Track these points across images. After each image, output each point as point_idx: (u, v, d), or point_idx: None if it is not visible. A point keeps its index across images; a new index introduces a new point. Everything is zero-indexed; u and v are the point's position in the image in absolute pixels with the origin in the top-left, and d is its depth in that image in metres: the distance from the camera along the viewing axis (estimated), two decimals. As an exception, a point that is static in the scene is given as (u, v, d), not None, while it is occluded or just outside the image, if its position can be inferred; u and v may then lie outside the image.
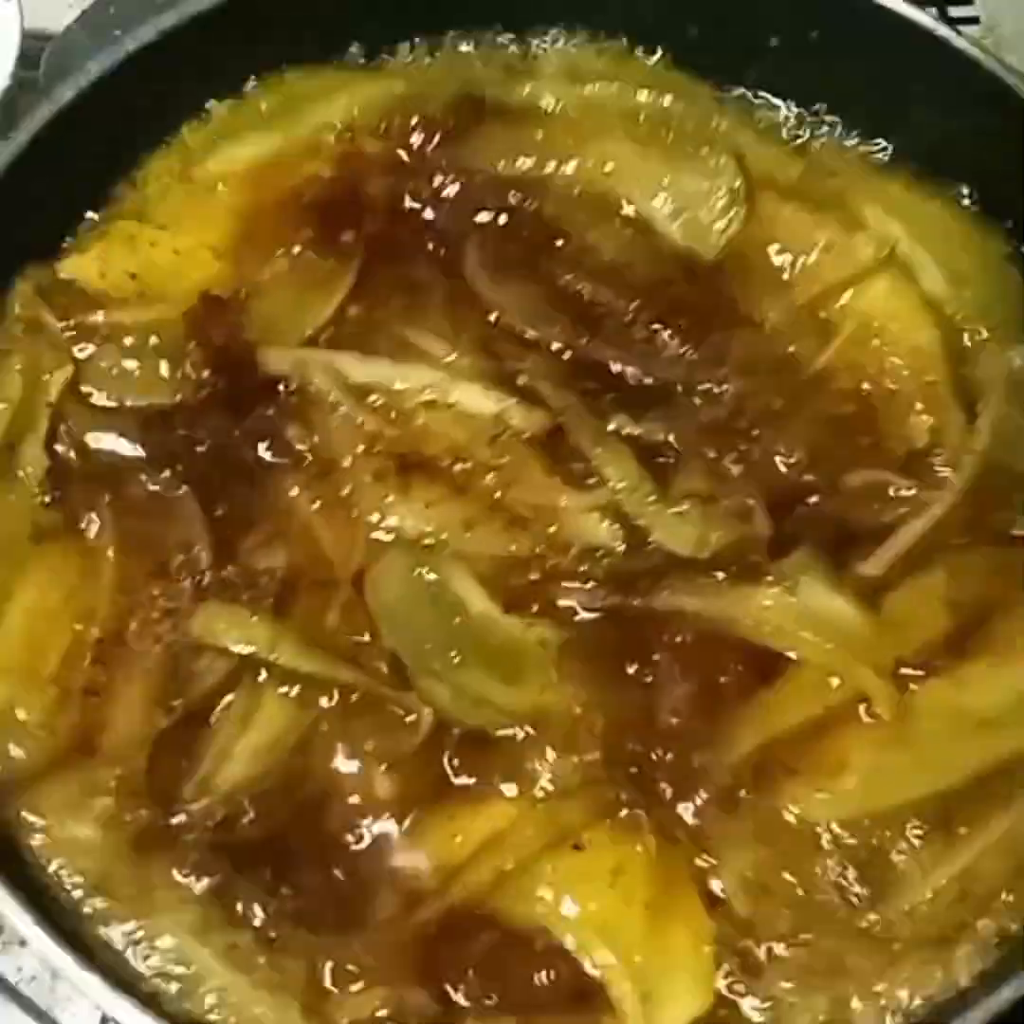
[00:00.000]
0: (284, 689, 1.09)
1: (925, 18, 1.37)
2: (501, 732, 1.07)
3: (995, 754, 1.09)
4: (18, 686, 1.10)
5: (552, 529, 1.16)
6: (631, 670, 1.11)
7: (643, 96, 1.40)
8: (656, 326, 1.26)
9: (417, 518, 1.16)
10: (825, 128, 1.43)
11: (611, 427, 1.20)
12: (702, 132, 1.38)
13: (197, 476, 1.19)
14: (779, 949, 1.02)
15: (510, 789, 1.06)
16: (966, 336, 1.29)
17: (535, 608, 1.13)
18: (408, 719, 1.07)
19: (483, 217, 1.33)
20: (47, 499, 1.18)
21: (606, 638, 1.12)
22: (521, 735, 1.07)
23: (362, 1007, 0.98)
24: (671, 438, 1.21)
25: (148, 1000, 0.98)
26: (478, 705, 1.08)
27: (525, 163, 1.36)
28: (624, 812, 1.05)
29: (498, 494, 1.17)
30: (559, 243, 1.32)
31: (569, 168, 1.36)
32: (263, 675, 1.09)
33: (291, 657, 1.08)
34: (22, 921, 0.97)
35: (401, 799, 1.06)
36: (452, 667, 1.09)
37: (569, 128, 1.38)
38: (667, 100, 1.39)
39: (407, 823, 1.05)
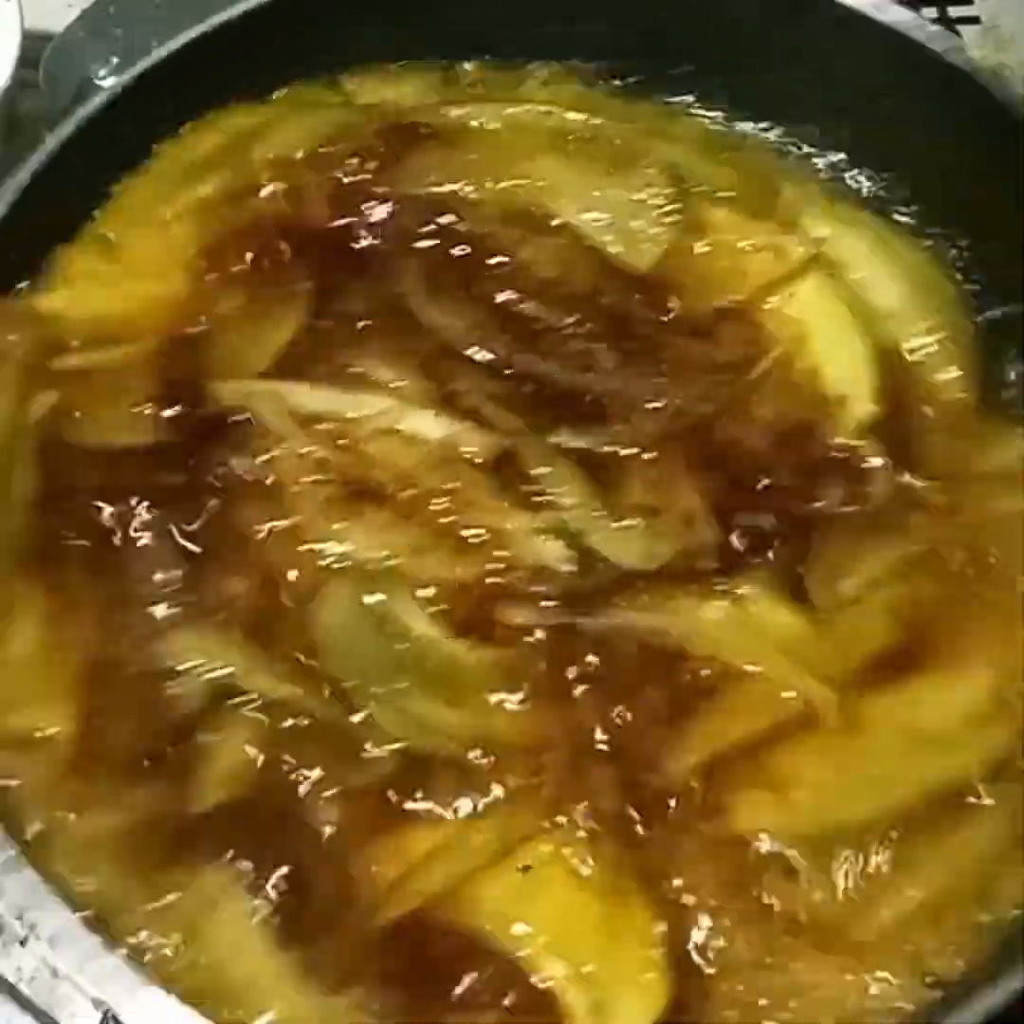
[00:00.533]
0: (252, 714, 1.10)
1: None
2: (447, 754, 1.08)
3: (945, 773, 1.08)
4: (36, 712, 1.12)
5: (501, 552, 1.17)
6: (579, 688, 1.11)
7: (572, 115, 1.43)
8: (593, 338, 1.28)
9: (364, 545, 1.17)
10: (763, 139, 1.48)
11: (554, 441, 1.22)
12: (633, 147, 1.40)
13: (164, 509, 1.21)
14: (727, 973, 1.02)
15: (456, 808, 1.07)
16: (903, 346, 1.31)
17: (485, 631, 1.14)
18: (364, 745, 1.09)
19: (420, 242, 1.35)
20: (27, 537, 1.21)
21: (555, 657, 1.13)
22: (467, 756, 1.08)
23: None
24: (614, 450, 1.22)
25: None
26: (423, 729, 1.08)
27: (458, 185, 1.38)
28: (570, 825, 1.05)
29: (446, 519, 1.18)
30: (495, 261, 1.34)
31: (502, 186, 1.38)
32: (233, 701, 1.11)
33: (263, 682, 1.10)
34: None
35: (350, 824, 1.07)
36: (396, 692, 1.09)
37: (500, 148, 1.41)
38: (598, 119, 1.42)
39: (359, 845, 1.06)
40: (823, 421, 1.25)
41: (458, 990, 1.01)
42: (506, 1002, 1.01)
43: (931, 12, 1.47)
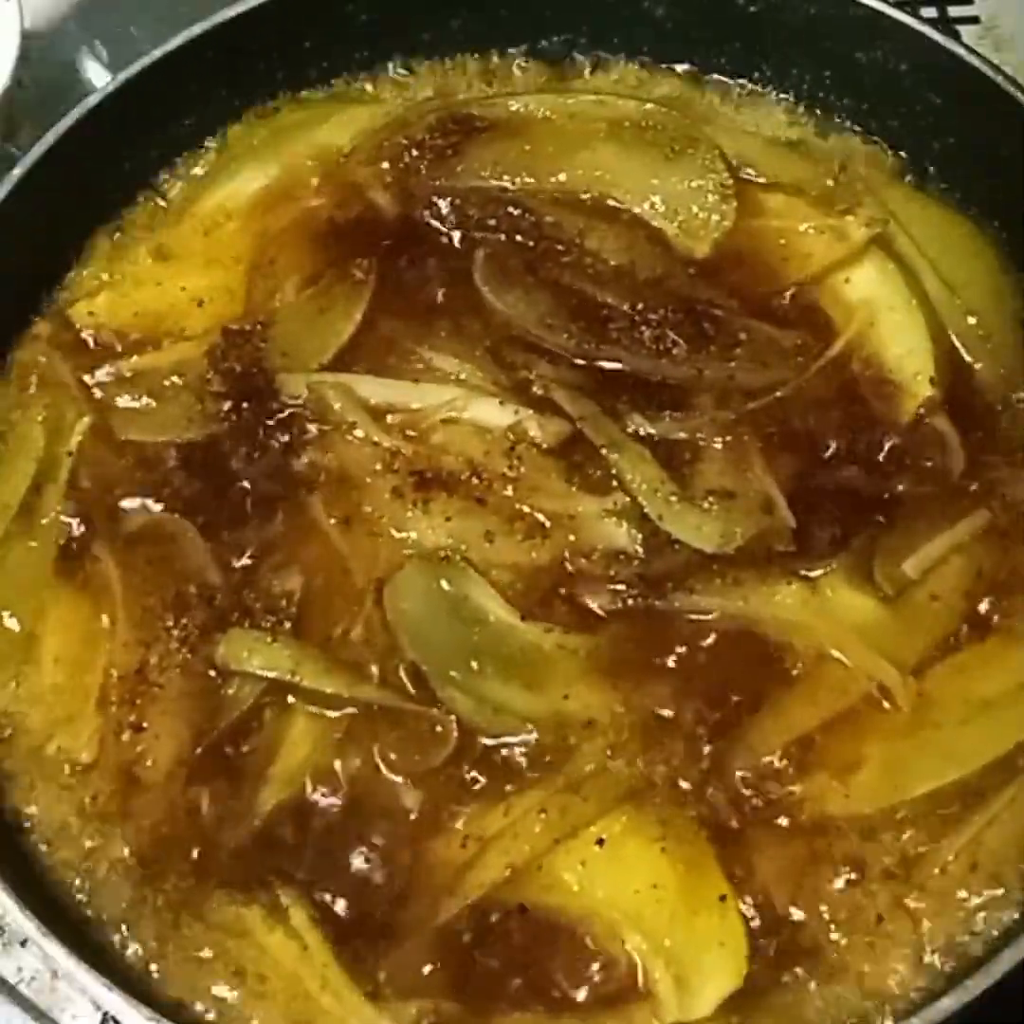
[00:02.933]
0: (311, 709, 1.11)
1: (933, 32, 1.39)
2: (522, 735, 1.08)
3: (1005, 739, 1.09)
4: (67, 735, 1.13)
5: (572, 536, 1.17)
6: (653, 671, 1.12)
7: (624, 103, 1.41)
8: (662, 325, 1.27)
9: (437, 532, 1.17)
10: (819, 125, 1.47)
11: (627, 429, 1.22)
12: (688, 133, 1.38)
13: (212, 507, 1.22)
14: (801, 944, 1.04)
15: (530, 788, 1.07)
16: (960, 331, 1.30)
17: (558, 614, 1.14)
18: (435, 730, 1.09)
19: (485, 233, 1.35)
20: (63, 543, 1.21)
21: (629, 641, 1.13)
22: (543, 737, 1.09)
23: (400, 1015, 1.00)
24: (687, 435, 1.22)
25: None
26: (499, 713, 1.09)
27: (518, 175, 1.38)
28: (646, 802, 1.06)
29: (517, 504, 1.18)
30: (561, 250, 1.34)
31: (561, 177, 1.38)
32: (290, 697, 1.11)
33: (314, 678, 1.10)
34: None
35: (427, 807, 1.07)
36: (473, 676, 1.10)
37: (555, 138, 1.40)
38: (650, 106, 1.41)
39: (434, 829, 1.07)
40: (887, 403, 1.25)
41: (532, 975, 1.02)
42: (585, 981, 1.02)
43: (931, 12, 1.45)
